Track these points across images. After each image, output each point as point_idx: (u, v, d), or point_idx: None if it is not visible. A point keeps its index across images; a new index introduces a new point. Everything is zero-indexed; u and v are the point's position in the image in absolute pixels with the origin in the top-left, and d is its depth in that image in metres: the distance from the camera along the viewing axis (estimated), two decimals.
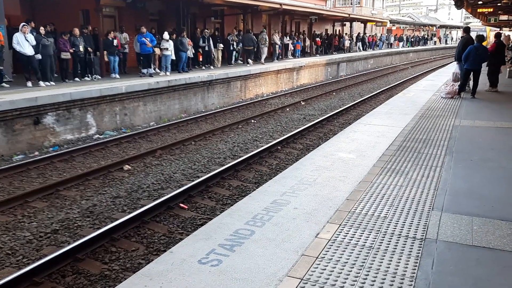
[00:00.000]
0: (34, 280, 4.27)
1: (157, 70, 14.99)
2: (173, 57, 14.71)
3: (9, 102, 8.72)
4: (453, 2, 17.10)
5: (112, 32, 13.62)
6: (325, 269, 3.08)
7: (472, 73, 11.51)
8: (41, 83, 11.27)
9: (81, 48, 12.52)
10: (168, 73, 14.39)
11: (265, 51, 19.99)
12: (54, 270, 4.50)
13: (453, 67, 13.47)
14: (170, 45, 14.42)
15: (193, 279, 2.96)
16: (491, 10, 20.32)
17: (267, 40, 20.03)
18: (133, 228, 5.48)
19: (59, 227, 5.62)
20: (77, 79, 12.67)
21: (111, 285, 4.33)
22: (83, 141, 10.12)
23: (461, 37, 13.06)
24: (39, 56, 11.30)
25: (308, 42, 27.17)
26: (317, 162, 5.72)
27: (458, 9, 18.62)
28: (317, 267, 3.11)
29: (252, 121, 12.39)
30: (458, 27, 61.90)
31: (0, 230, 5.54)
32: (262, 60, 19.86)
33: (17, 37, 10.75)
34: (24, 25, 11.00)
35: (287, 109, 14.49)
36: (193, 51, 16.25)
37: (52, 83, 11.62)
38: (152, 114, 12.45)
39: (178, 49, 14.78)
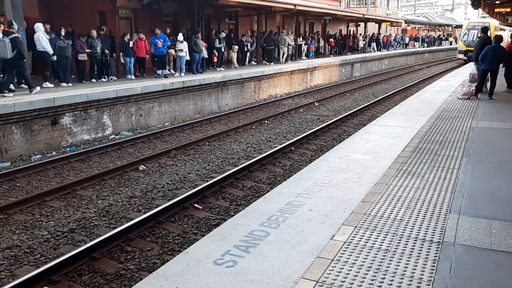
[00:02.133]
0: (52, 278, 4.33)
1: (172, 71, 15.12)
2: (188, 58, 14.83)
3: (28, 103, 8.88)
4: (469, 2, 16.84)
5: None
6: (340, 272, 3.06)
7: (489, 73, 11.34)
8: (61, 83, 11.46)
9: (99, 50, 12.68)
10: (182, 74, 14.49)
11: (285, 51, 20.14)
12: (71, 269, 4.56)
13: (470, 68, 13.27)
14: (184, 46, 14.52)
15: (208, 280, 2.98)
16: (509, 9, 19.93)
17: (288, 40, 20.16)
18: (148, 228, 5.52)
19: (76, 226, 5.70)
20: (93, 80, 12.86)
21: (126, 284, 4.38)
22: (99, 141, 10.25)
23: (479, 37, 12.85)
24: (54, 58, 11.50)
25: (322, 43, 27.06)
26: (332, 163, 5.69)
27: (475, 9, 18.33)
28: (332, 270, 3.09)
29: (266, 121, 12.39)
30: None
31: (19, 229, 5.64)
32: (283, 60, 20.18)
33: (42, 36, 10.92)
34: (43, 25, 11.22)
35: (301, 109, 14.45)
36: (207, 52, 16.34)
37: (70, 84, 11.80)
38: (167, 114, 12.54)
39: (192, 50, 14.88)
